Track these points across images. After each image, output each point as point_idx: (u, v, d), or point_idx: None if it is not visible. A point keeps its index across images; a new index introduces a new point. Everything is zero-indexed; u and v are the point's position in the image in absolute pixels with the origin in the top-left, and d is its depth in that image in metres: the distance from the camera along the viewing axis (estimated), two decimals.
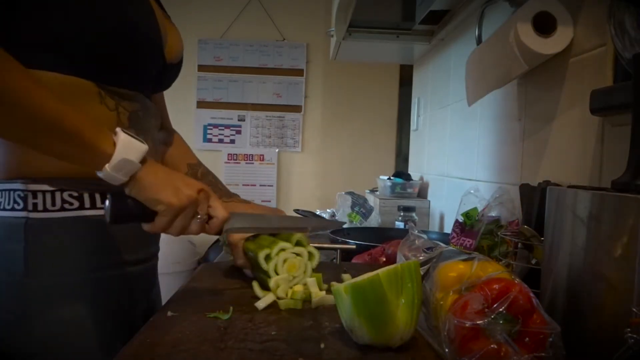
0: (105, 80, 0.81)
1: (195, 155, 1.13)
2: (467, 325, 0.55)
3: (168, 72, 0.95)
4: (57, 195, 0.78)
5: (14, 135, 0.69)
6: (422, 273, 0.68)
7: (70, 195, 0.79)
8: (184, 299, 0.84)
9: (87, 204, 0.80)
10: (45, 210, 0.78)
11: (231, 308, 0.76)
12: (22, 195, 0.77)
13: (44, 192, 0.78)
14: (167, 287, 1.04)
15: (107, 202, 0.73)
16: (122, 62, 0.82)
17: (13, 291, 0.77)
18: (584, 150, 0.94)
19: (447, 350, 0.58)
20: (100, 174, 0.71)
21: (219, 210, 0.80)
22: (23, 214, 0.77)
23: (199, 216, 0.77)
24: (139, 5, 0.85)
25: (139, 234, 0.78)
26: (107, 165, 0.70)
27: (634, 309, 0.49)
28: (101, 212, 0.78)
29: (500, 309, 0.55)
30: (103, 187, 0.74)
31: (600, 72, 0.89)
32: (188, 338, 0.65)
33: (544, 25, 1.00)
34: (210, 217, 0.79)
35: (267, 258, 0.86)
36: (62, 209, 0.79)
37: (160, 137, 1.02)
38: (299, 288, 0.83)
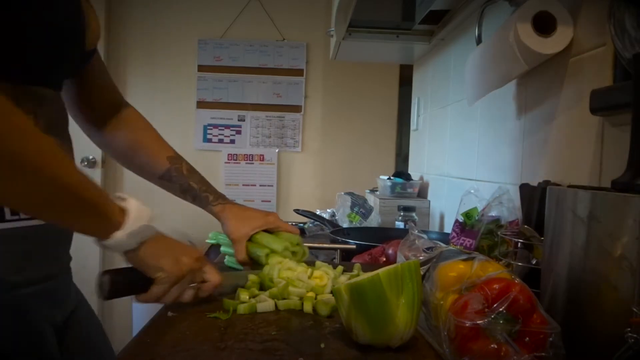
0: (23, 79, 0.70)
1: (171, 147, 1.03)
2: (467, 325, 0.55)
3: (84, 61, 0.85)
4: None
5: (24, 202, 0.59)
6: (422, 273, 0.68)
7: None
8: None
9: None
10: None
11: (231, 308, 0.76)
12: None
13: None
14: None
15: (103, 279, 0.72)
16: (41, 57, 0.72)
17: None
18: (584, 150, 0.94)
19: (447, 350, 0.58)
20: (105, 242, 0.67)
21: (213, 274, 0.81)
22: None
23: (194, 284, 0.78)
24: None
25: (31, 251, 0.70)
26: (117, 233, 0.67)
27: (634, 309, 0.49)
28: None
29: (500, 309, 0.55)
30: None
31: (600, 72, 0.89)
32: (188, 338, 0.65)
33: (544, 25, 1.00)
34: (203, 281, 0.80)
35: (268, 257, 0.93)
36: None
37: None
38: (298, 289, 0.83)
